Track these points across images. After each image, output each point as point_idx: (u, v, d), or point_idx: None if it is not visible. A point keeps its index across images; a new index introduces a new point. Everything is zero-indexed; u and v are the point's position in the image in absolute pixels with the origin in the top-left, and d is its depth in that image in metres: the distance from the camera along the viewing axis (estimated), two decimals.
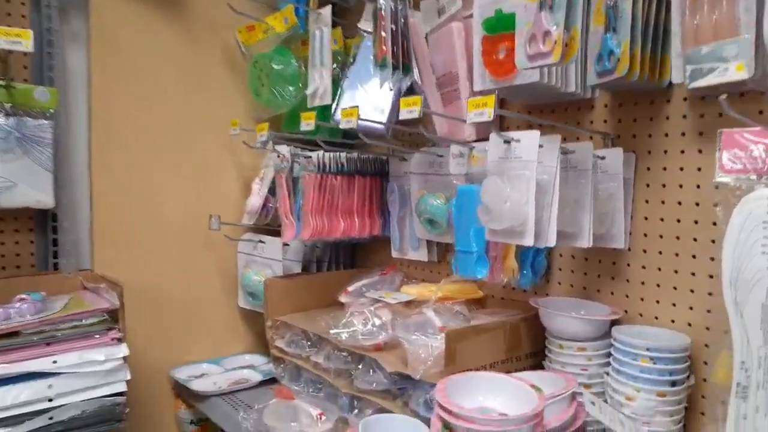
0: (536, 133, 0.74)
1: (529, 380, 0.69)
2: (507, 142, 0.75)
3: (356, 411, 1.00)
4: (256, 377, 1.29)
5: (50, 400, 0.90)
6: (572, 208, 0.77)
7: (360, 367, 0.98)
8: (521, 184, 0.73)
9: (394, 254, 1.30)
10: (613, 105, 0.90)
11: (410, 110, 0.81)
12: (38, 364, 0.90)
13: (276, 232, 1.38)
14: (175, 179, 1.37)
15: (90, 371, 0.93)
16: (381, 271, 1.30)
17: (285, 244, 1.34)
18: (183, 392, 1.30)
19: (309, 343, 1.16)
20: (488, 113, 0.70)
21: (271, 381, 1.26)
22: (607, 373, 0.79)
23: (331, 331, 0.99)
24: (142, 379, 1.24)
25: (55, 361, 0.91)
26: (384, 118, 1.12)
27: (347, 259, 1.51)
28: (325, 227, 1.20)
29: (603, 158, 0.83)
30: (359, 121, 1.00)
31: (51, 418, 0.89)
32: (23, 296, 0.99)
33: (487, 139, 0.98)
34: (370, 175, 1.28)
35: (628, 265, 0.88)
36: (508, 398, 0.67)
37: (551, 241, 0.74)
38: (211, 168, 1.42)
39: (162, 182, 1.35)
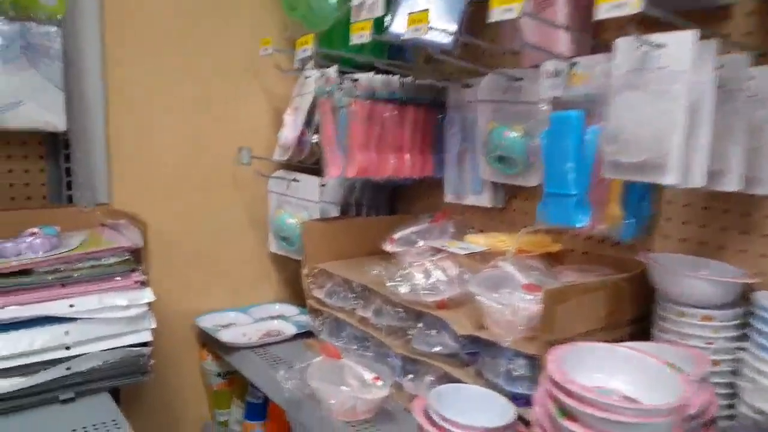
0: (691, 35, 0.57)
1: (658, 356, 0.57)
2: (643, 46, 0.58)
3: (411, 375, 0.89)
4: (290, 329, 1.19)
5: (67, 348, 0.78)
6: (720, 139, 0.61)
7: (420, 326, 0.87)
8: (667, 103, 0.57)
9: (449, 198, 1.16)
10: (762, 12, 0.73)
11: (507, 9, 0.65)
12: (53, 307, 0.77)
13: (311, 170, 1.25)
14: (198, 108, 1.23)
15: (111, 317, 0.82)
16: (430, 218, 1.17)
17: (321, 185, 1.22)
18: (209, 342, 1.21)
19: (353, 295, 1.05)
20: (634, 4, 0.54)
21: (305, 334, 1.16)
22: (742, 349, 0.66)
23: (388, 284, 0.87)
24: (165, 326, 1.13)
25: (72, 305, 0.79)
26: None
27: (387, 203, 1.39)
28: (374, 164, 1.06)
29: (751, 79, 0.67)
30: (410, 36, 0.84)
31: (68, 368, 0.78)
32: (35, 230, 0.87)
33: (586, 54, 0.82)
34: (425, 105, 1.13)
35: None
36: (636, 378, 0.54)
37: (698, 180, 0.59)
38: (238, 96, 1.26)
39: (183, 111, 1.21)
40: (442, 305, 0.85)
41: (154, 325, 0.86)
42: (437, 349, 0.82)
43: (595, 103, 0.77)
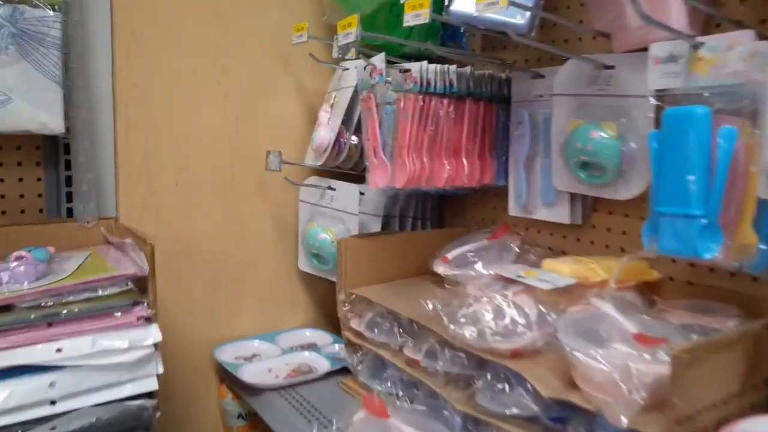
0: None
1: None
2: None
3: None
4: (322, 365, 1.04)
5: (53, 403, 0.65)
6: None
7: (489, 377, 0.71)
8: None
9: (513, 211, 0.99)
10: None
11: None
12: (37, 353, 0.64)
13: (349, 177, 1.11)
14: (219, 105, 1.09)
15: (108, 363, 0.69)
16: (489, 234, 1.01)
17: (361, 194, 1.07)
18: (229, 379, 1.07)
19: (400, 329, 0.90)
20: None
21: (340, 371, 1.01)
22: None
23: (450, 327, 0.71)
24: (178, 358, 1.01)
25: (59, 350, 0.65)
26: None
27: (435, 214, 1.23)
28: (425, 172, 0.90)
29: None
30: (482, 13, 0.67)
31: (53, 429, 0.64)
32: (22, 253, 0.75)
33: (698, 33, 0.64)
34: (485, 100, 0.96)
35: None
36: None
37: None
38: (266, 92, 1.13)
39: (202, 109, 1.07)
40: (516, 354, 0.69)
41: (160, 370, 0.72)
42: (513, 410, 0.66)
43: (729, 96, 0.60)
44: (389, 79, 0.87)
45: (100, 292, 0.71)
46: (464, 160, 0.94)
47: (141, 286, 0.76)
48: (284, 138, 1.15)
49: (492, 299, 0.72)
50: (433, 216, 1.21)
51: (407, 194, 1.14)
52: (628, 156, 0.76)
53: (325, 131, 1.04)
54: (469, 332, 0.69)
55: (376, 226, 1.09)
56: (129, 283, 0.74)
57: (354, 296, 0.97)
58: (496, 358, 0.69)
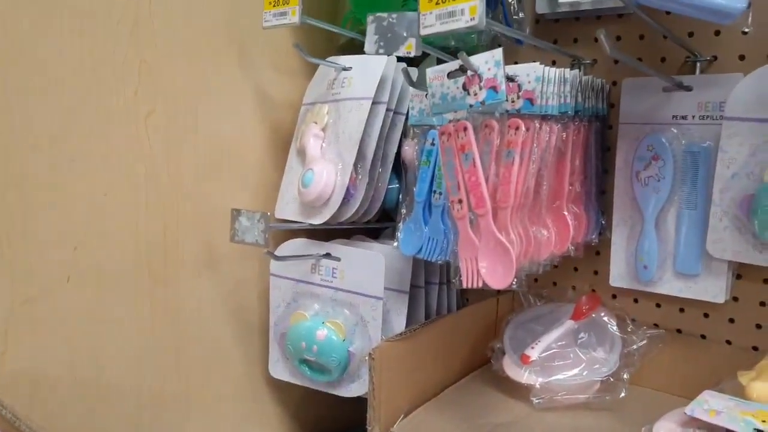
0: None
1: None
2: None
3: None
4: None
5: None
6: None
7: None
8: None
9: (621, 281, 0.72)
10: None
11: None
12: None
13: (345, 232, 0.78)
14: (137, 131, 0.67)
15: None
16: (572, 310, 0.75)
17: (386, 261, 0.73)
18: None
19: None
20: None
21: None
22: None
23: None
24: None
25: None
26: None
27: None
28: (531, 245, 0.60)
29: None
30: None
31: None
32: None
33: None
34: (586, 120, 0.69)
35: None
36: None
37: None
38: (208, 106, 0.73)
39: (109, 138, 0.65)
40: None
41: None
42: None
43: None
44: (479, 82, 0.54)
45: None
46: (566, 215, 0.66)
47: None
48: (243, 180, 0.77)
49: None
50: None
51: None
52: None
53: (329, 172, 0.70)
54: None
55: (401, 307, 0.77)
56: None
57: None
58: None
